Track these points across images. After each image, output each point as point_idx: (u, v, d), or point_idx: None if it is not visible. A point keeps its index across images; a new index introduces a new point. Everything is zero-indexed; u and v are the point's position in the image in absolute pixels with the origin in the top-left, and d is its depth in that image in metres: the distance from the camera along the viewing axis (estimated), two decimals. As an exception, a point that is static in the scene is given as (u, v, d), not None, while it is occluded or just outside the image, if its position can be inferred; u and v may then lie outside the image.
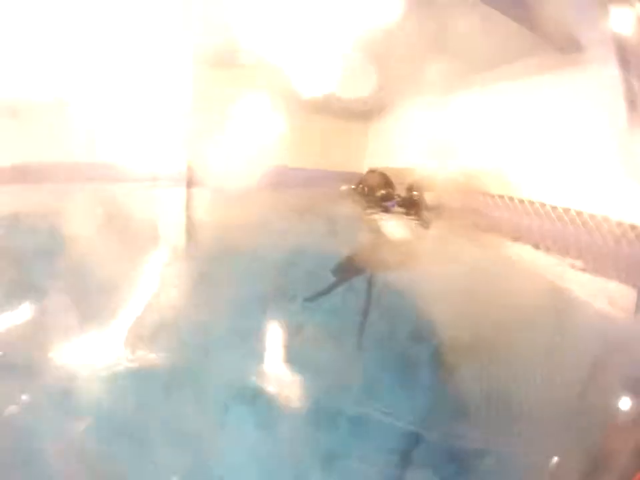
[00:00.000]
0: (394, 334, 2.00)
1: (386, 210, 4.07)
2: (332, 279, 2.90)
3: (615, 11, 3.21)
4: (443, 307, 2.00)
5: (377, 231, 3.80)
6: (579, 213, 3.40)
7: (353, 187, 5.04)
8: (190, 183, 5.12)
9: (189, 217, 4.32)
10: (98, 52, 4.02)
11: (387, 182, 4.40)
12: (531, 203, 3.80)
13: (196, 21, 3.69)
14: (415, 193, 4.06)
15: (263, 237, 3.47)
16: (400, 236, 3.86)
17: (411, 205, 3.99)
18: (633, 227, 3.12)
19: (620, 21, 3.24)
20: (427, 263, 2.69)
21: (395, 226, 3.93)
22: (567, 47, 3.68)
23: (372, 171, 5.01)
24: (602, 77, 3.42)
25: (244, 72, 4.45)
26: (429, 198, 3.90)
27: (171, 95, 5.12)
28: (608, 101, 3.39)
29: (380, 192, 4.23)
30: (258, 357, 1.92)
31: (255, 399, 1.80)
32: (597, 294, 2.81)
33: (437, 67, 4.53)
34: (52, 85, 4.21)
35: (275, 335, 2.23)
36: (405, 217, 3.92)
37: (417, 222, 3.90)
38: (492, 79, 4.36)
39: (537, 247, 3.49)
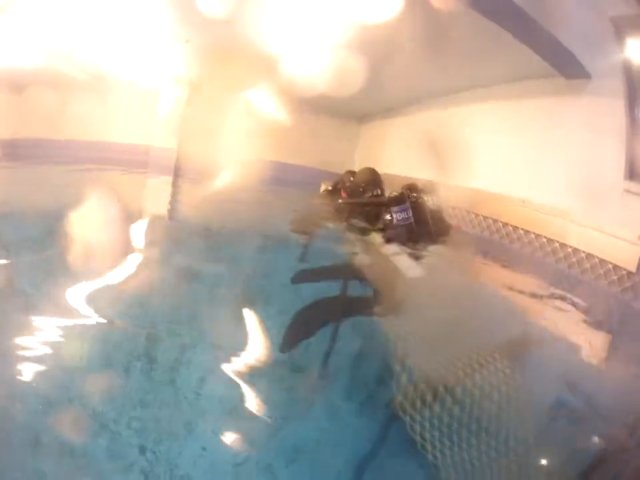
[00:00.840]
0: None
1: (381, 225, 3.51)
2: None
3: (627, 43, 3.08)
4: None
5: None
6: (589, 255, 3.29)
7: (329, 188, 4.83)
8: (177, 172, 5.23)
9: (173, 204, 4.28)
10: (97, 36, 4.07)
11: (376, 180, 3.92)
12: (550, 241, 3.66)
13: (192, 14, 3.60)
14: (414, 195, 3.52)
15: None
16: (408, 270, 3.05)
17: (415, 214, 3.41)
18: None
19: (631, 54, 3.10)
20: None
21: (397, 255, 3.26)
22: (573, 74, 3.53)
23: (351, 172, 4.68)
24: (606, 107, 3.32)
25: (238, 67, 4.49)
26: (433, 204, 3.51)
27: (165, 87, 5.24)
28: (609, 132, 3.28)
29: (371, 192, 3.73)
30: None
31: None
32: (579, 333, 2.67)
33: (438, 77, 4.44)
34: (54, 63, 4.28)
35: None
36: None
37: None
38: (493, 96, 4.27)
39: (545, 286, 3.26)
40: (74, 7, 3.74)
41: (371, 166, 4.71)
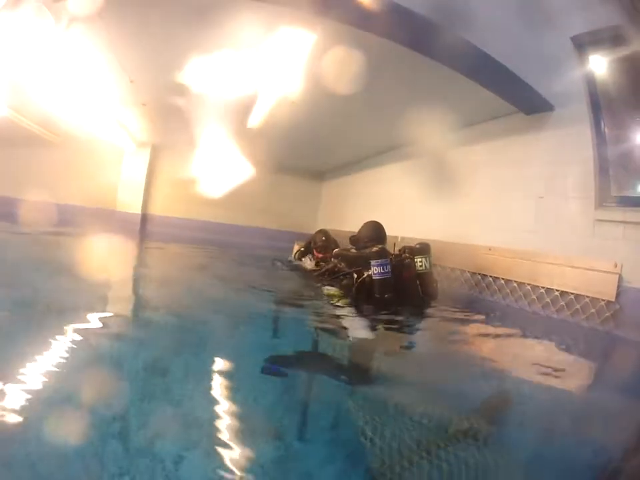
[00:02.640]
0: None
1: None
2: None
3: (590, 61, 3.03)
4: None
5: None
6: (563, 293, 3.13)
7: (302, 248, 4.82)
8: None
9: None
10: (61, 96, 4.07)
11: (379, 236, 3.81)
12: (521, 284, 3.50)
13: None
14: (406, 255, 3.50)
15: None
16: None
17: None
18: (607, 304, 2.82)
19: (594, 73, 3.05)
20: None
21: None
22: (533, 109, 3.52)
23: (323, 231, 4.71)
24: (570, 137, 3.25)
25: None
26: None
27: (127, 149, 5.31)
28: (575, 162, 3.20)
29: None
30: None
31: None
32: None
33: (398, 127, 4.50)
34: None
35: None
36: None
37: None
38: (455, 143, 4.21)
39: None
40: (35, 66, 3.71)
41: (333, 225, 4.66)
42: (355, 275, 3.39)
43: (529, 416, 1.87)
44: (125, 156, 5.40)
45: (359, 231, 3.98)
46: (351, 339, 2.70)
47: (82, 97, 4.12)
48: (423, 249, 3.49)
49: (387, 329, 2.98)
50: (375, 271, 3.21)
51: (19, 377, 1.61)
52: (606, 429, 1.73)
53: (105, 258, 4.04)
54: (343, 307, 3.26)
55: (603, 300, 2.78)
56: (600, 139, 3.02)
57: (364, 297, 3.27)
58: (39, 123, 4.40)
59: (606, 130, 3.00)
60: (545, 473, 1.49)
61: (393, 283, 3.23)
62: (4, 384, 1.52)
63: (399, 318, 3.15)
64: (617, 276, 2.71)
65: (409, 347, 2.83)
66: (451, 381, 2.16)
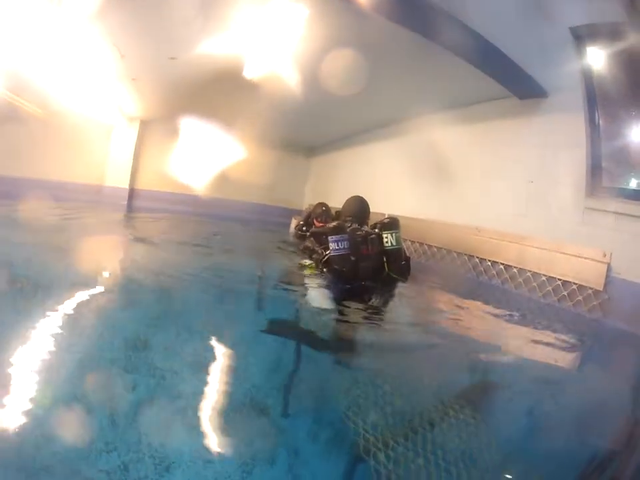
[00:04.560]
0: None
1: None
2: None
3: (587, 53, 3.02)
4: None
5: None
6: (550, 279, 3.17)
7: (301, 222, 4.86)
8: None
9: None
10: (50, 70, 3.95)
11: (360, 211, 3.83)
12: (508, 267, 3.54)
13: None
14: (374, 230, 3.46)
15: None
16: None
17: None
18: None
19: (591, 64, 3.04)
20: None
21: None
22: (527, 94, 3.49)
23: (322, 203, 4.72)
24: (563, 124, 3.23)
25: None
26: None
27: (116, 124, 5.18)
28: (567, 149, 3.19)
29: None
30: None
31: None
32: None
33: (389, 105, 4.43)
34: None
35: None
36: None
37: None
38: (446, 122, 4.15)
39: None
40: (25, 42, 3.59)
41: (320, 200, 4.66)
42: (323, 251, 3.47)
43: (509, 395, 1.92)
44: (113, 131, 5.30)
45: (342, 206, 4.00)
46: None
47: (71, 71, 4.00)
48: (390, 223, 3.43)
49: (343, 301, 3.06)
50: (331, 246, 3.26)
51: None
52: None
53: (94, 233, 4.04)
54: (311, 277, 3.39)
55: (591, 288, 2.83)
56: (593, 130, 3.03)
57: (329, 271, 3.34)
58: (26, 99, 4.25)
59: (600, 122, 3.01)
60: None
61: (354, 258, 3.26)
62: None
63: (361, 292, 3.23)
64: (606, 265, 2.75)
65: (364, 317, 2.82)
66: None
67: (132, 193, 5.42)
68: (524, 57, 3.08)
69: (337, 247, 3.25)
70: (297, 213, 5.62)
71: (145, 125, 5.38)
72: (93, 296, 2.36)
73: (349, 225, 3.48)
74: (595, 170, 3.03)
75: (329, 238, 3.28)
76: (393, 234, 3.38)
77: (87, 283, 2.49)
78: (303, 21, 3.12)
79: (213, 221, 4.71)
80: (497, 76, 3.38)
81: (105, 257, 3.29)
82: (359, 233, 3.37)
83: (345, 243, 3.25)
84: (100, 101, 4.71)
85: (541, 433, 1.68)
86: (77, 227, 4.13)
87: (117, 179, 5.33)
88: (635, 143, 2.88)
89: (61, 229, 3.92)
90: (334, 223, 3.46)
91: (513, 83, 3.44)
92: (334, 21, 3.03)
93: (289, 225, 5.38)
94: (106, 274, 2.89)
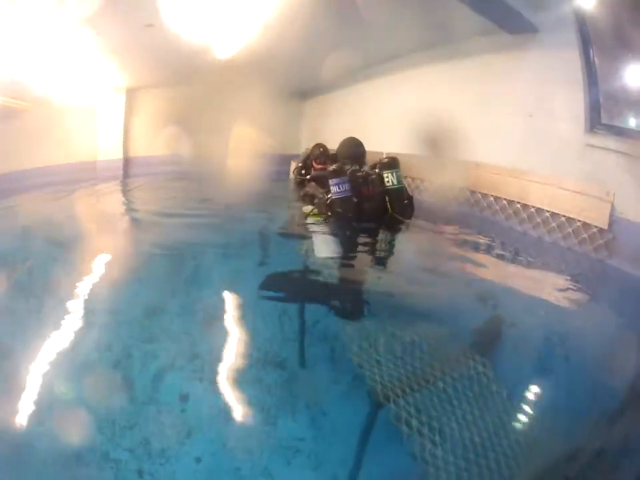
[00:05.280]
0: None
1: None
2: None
3: None
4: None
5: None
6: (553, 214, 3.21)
7: (300, 164, 4.88)
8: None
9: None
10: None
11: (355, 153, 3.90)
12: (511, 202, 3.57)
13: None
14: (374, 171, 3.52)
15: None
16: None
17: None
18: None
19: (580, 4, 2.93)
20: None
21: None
22: (516, 29, 3.37)
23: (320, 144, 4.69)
24: (558, 59, 3.15)
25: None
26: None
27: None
28: (564, 84, 3.12)
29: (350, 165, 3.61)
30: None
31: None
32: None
33: (379, 43, 4.24)
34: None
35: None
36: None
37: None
38: (438, 58, 4.10)
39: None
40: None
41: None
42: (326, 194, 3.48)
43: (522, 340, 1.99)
44: (99, 105, 5.15)
45: (337, 149, 3.99)
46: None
47: (48, 59, 3.91)
48: (389, 163, 3.46)
49: (351, 247, 3.21)
50: (332, 190, 3.30)
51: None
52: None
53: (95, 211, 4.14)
54: (316, 223, 3.45)
55: (596, 227, 2.88)
56: (589, 66, 2.97)
57: (332, 215, 3.38)
58: (5, 93, 4.12)
59: (595, 59, 2.95)
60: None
61: (357, 200, 3.33)
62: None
63: (367, 236, 3.35)
64: (610, 204, 2.78)
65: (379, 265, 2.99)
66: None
67: (127, 163, 5.36)
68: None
69: (338, 190, 3.30)
70: (296, 157, 5.55)
71: (131, 92, 5.23)
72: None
73: (348, 166, 3.49)
74: (593, 106, 3.00)
75: (330, 181, 3.32)
76: (394, 172, 3.43)
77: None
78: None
79: (209, 180, 4.69)
80: (483, 11, 3.21)
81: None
82: (359, 174, 3.43)
83: (346, 185, 3.30)
84: (82, 79, 4.60)
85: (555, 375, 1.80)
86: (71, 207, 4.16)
87: (110, 151, 5.24)
88: (632, 82, 2.82)
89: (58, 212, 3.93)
90: (333, 166, 3.46)
91: (498, 17, 3.29)
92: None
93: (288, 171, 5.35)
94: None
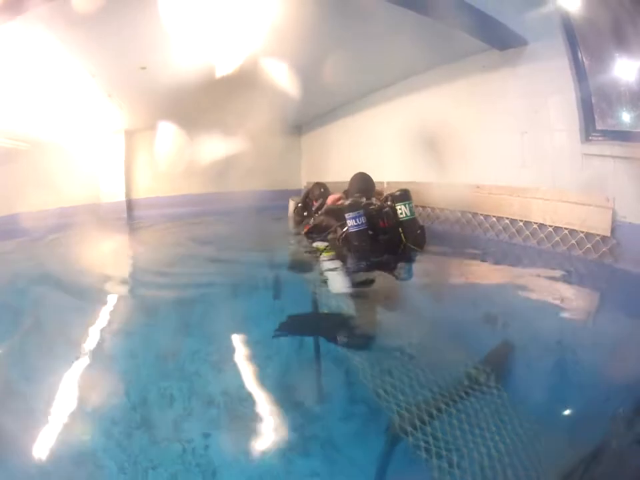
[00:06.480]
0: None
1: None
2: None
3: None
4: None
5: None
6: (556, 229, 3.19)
7: (299, 204, 4.88)
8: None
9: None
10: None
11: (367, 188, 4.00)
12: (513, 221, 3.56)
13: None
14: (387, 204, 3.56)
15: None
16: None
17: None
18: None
19: (565, 10, 2.94)
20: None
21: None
22: (506, 45, 3.42)
23: (320, 183, 4.76)
24: (548, 71, 3.16)
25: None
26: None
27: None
28: (557, 95, 3.14)
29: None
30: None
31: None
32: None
33: (370, 73, 4.37)
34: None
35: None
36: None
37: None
38: (429, 82, 4.17)
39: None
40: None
41: (317, 178, 4.65)
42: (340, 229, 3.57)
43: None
44: (99, 148, 5.27)
45: (349, 184, 4.12)
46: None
47: (46, 102, 3.98)
48: (402, 195, 3.53)
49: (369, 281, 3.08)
50: (349, 223, 3.39)
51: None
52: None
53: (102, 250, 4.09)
54: (329, 259, 3.45)
55: (599, 235, 2.83)
56: (580, 72, 2.96)
57: (348, 249, 3.46)
58: (7, 136, 4.26)
59: (585, 64, 2.94)
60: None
61: (372, 233, 3.40)
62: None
63: (384, 268, 3.29)
64: (611, 210, 2.74)
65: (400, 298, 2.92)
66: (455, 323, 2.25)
67: (130, 204, 5.43)
68: (497, 7, 3.00)
69: (355, 224, 3.39)
70: (295, 193, 5.61)
71: (130, 135, 5.37)
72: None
73: (361, 201, 3.56)
74: (586, 114, 2.98)
75: (346, 215, 3.40)
76: (407, 204, 3.52)
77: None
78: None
79: (214, 218, 4.74)
80: (471, 31, 3.29)
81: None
82: (372, 207, 3.51)
83: (362, 218, 3.39)
84: (80, 122, 4.70)
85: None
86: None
87: (112, 193, 5.34)
88: (623, 83, 2.79)
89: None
90: (349, 200, 3.58)
91: (489, 35, 3.36)
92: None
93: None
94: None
